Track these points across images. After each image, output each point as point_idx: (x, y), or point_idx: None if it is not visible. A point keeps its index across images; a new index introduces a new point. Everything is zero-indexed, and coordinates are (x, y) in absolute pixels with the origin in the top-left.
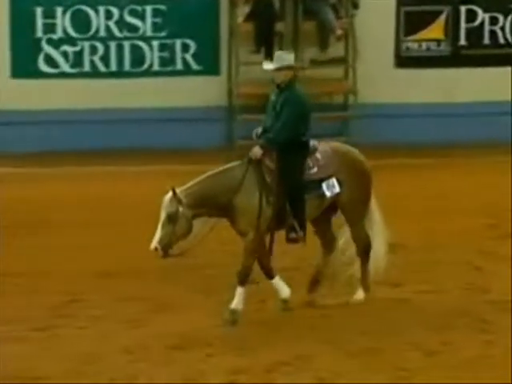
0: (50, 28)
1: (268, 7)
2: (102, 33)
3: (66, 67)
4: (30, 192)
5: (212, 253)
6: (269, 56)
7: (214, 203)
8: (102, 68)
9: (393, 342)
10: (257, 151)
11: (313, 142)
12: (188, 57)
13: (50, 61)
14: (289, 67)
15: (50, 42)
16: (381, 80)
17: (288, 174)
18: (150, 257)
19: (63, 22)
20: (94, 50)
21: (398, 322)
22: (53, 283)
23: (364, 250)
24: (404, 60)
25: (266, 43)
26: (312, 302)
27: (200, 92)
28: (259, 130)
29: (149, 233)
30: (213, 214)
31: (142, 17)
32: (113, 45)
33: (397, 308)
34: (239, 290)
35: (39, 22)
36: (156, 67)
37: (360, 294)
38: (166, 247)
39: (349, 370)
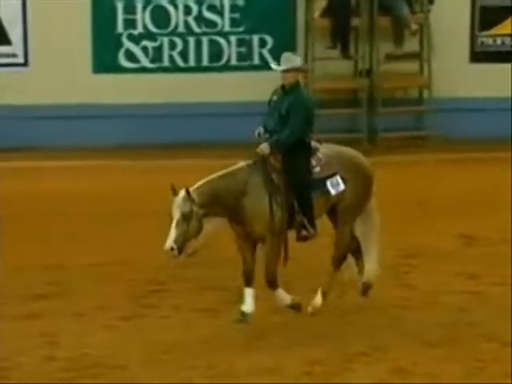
0: (130, 24)
1: (344, 3)
2: (181, 28)
3: (145, 62)
4: (112, 184)
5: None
6: (344, 51)
7: (223, 203)
8: (180, 63)
9: (469, 333)
10: (265, 147)
11: (314, 144)
12: (265, 52)
13: (130, 56)
14: (296, 69)
15: (130, 37)
16: (455, 74)
17: (294, 174)
18: (229, 247)
19: (143, 17)
20: (173, 45)
21: (474, 313)
22: (136, 273)
23: (340, 257)
24: (479, 55)
25: (341, 38)
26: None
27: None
28: (261, 129)
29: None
30: (222, 214)
31: (220, 12)
32: (191, 40)
33: (473, 300)
34: (277, 293)
35: (120, 17)
36: (234, 62)
37: (318, 300)
38: (181, 246)
39: (426, 360)
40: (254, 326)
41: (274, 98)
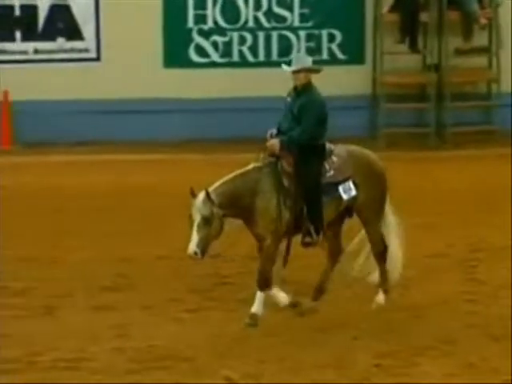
0: (200, 19)
1: None
2: (251, 23)
3: (215, 57)
4: (181, 178)
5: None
6: (413, 46)
7: (239, 204)
8: (250, 58)
9: None
10: (274, 143)
11: (328, 145)
12: (334, 46)
13: (200, 51)
14: (307, 69)
15: (200, 32)
16: None
17: (306, 178)
18: (295, 240)
19: (213, 12)
20: (242, 40)
21: None
22: (202, 266)
23: (380, 252)
24: None
25: (410, 33)
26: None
27: (345, 81)
28: (274, 131)
29: None
30: (237, 215)
31: (289, 7)
32: (261, 35)
33: None
34: (259, 295)
35: (190, 12)
36: None
37: (381, 297)
38: (203, 249)
39: (494, 355)
40: (320, 320)
41: (288, 99)
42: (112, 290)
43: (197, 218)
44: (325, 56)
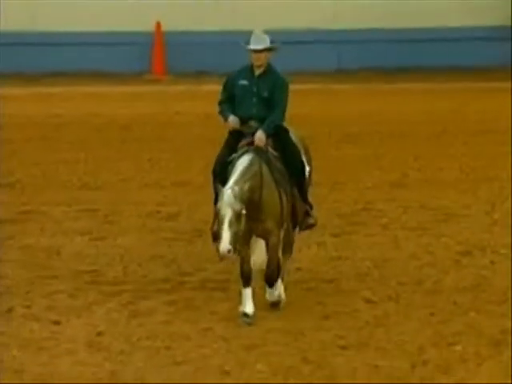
0: None
1: None
2: None
3: None
4: (334, 107)
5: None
6: None
7: (253, 200)
8: None
9: None
10: (262, 136)
11: None
12: None
13: None
14: (269, 49)
15: None
16: None
17: (292, 158)
18: (436, 168)
19: None
20: None
21: None
22: (346, 192)
23: (293, 242)
24: None
25: None
26: None
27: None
28: (234, 118)
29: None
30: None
31: None
32: None
33: None
34: (279, 284)
35: None
36: None
37: (282, 293)
38: (235, 247)
39: None
40: (461, 244)
41: (243, 82)
42: None
43: (228, 214)
44: None
